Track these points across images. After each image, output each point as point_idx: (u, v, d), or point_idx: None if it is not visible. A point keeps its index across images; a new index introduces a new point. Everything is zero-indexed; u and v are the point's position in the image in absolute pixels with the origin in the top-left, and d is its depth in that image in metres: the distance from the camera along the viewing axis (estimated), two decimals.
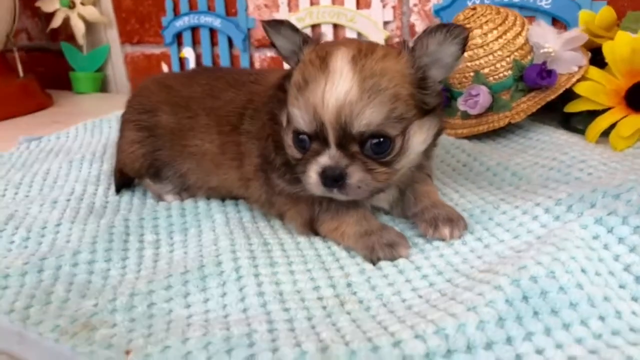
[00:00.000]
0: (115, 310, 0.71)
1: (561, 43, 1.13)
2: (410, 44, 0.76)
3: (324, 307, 0.68)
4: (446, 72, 0.78)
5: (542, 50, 1.12)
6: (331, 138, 0.74)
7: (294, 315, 0.67)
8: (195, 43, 1.98)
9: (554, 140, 1.08)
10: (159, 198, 1.06)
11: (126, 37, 2.15)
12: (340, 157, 0.74)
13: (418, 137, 0.79)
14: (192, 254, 0.84)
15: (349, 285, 0.73)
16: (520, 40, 1.14)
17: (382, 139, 0.74)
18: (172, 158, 1.01)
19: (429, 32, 0.74)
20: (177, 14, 1.98)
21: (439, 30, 0.73)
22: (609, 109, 1.09)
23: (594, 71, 1.13)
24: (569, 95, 1.14)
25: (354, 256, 0.80)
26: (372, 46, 0.77)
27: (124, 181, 1.11)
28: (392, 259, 0.77)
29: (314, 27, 1.71)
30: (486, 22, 1.15)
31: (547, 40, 1.14)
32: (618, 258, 0.70)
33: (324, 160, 0.75)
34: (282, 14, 1.74)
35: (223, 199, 1.02)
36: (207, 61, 1.96)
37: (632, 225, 0.73)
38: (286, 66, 0.88)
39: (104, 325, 0.69)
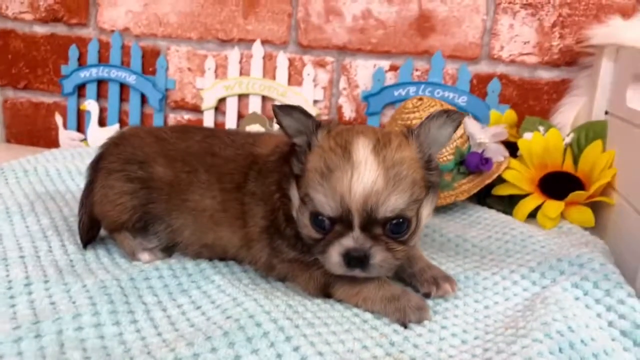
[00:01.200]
0: None
1: (489, 136, 1.34)
2: (415, 132, 0.85)
3: None
4: (438, 150, 0.89)
5: (478, 141, 1.31)
6: (356, 222, 0.79)
7: None
8: (99, 96, 1.87)
9: (493, 218, 1.25)
10: (132, 256, 0.99)
11: (9, 80, 1.95)
12: (364, 239, 0.80)
13: (425, 213, 0.88)
14: (216, 316, 0.80)
15: (392, 344, 0.77)
16: (460, 130, 1.33)
17: (401, 220, 0.82)
18: (166, 212, 0.96)
19: (431, 117, 0.84)
20: (82, 64, 1.87)
21: (441, 115, 0.85)
22: (529, 194, 1.31)
23: (514, 162, 1.36)
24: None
25: (378, 317, 0.84)
26: (387, 135, 0.84)
27: (92, 235, 1.01)
28: (421, 321, 0.82)
29: (241, 96, 1.75)
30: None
31: (478, 132, 1.34)
32: (600, 316, 0.85)
33: (348, 242, 0.80)
34: (207, 79, 1.76)
35: (211, 259, 0.99)
36: (112, 117, 1.86)
37: (603, 289, 0.89)
38: None
39: None
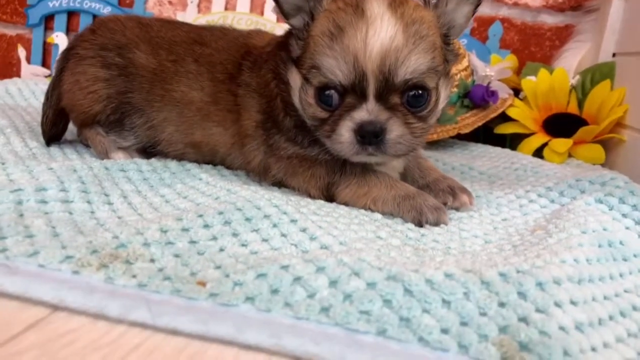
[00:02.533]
0: (147, 245, 0.55)
1: (494, 72, 1.26)
2: (433, 1, 0.76)
3: (404, 251, 0.61)
4: (459, 33, 0.80)
5: (484, 73, 1.23)
6: (371, 89, 0.69)
7: (385, 253, 0.58)
8: (69, 29, 1.73)
9: (498, 152, 1.17)
10: (104, 155, 0.86)
11: None
12: (380, 110, 0.70)
13: (443, 94, 0.78)
14: (209, 202, 0.69)
15: (409, 238, 0.67)
16: (465, 63, 1.25)
17: (420, 91, 0.72)
18: (147, 103, 0.84)
19: None
20: None
21: None
22: (533, 133, 1.24)
23: (518, 102, 1.29)
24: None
25: (389, 217, 0.75)
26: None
27: (55, 132, 0.88)
28: (439, 222, 0.73)
29: None
30: None
31: (482, 66, 1.26)
32: (630, 228, 0.77)
33: (361, 115, 0.70)
34: (189, 13, 1.63)
35: (197, 162, 0.87)
36: None
37: (630, 204, 0.81)
38: None
39: (139, 258, 0.52)
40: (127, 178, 0.77)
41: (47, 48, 1.74)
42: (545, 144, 1.21)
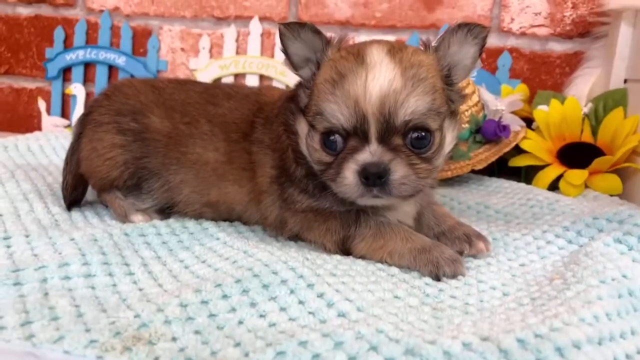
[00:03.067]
0: (168, 322, 0.56)
1: (505, 105, 1.26)
2: (434, 44, 0.77)
3: (422, 312, 0.61)
4: (465, 74, 0.80)
5: (494, 108, 1.24)
6: (372, 131, 0.70)
7: (403, 317, 0.59)
8: (86, 80, 1.77)
9: (514, 187, 1.17)
10: (124, 218, 0.88)
11: None
12: (383, 152, 0.70)
13: (449, 136, 0.79)
14: (226, 266, 0.70)
15: (426, 295, 0.68)
16: (475, 98, 1.25)
17: (423, 133, 0.72)
18: (163, 167, 0.86)
19: (450, 31, 0.76)
20: (67, 46, 1.77)
21: (460, 29, 0.75)
22: (547, 164, 1.23)
23: (531, 133, 1.28)
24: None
25: (406, 272, 0.75)
26: (400, 43, 0.78)
27: (76, 197, 0.91)
28: (456, 275, 0.73)
29: (238, 76, 1.66)
30: None
31: (492, 100, 1.27)
32: None
33: (364, 156, 0.71)
34: (202, 59, 1.67)
35: (214, 220, 0.89)
36: None
37: None
38: None
39: (161, 338, 0.53)
40: (147, 243, 0.78)
41: (65, 99, 1.79)
42: (561, 176, 1.20)
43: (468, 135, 1.23)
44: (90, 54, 1.74)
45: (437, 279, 0.72)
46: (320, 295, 0.62)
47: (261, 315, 0.59)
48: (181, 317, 0.57)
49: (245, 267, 0.68)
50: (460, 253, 0.80)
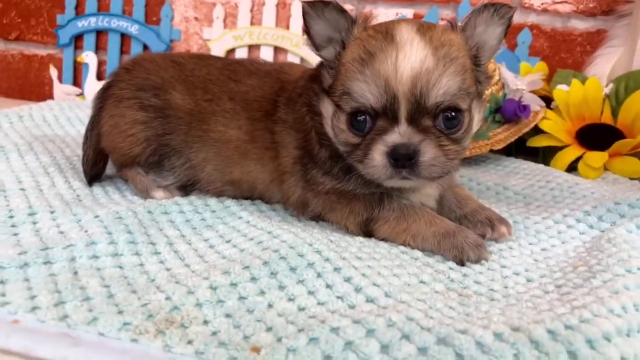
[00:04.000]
0: (199, 305, 0.57)
1: (525, 84, 1.24)
2: (460, 24, 0.76)
3: (449, 299, 0.62)
4: (491, 55, 0.79)
5: (515, 87, 1.22)
6: (402, 112, 0.69)
7: (431, 303, 0.59)
8: (98, 48, 1.75)
9: (532, 168, 1.17)
10: (145, 194, 0.88)
11: (1, 32, 1.82)
12: (412, 132, 0.70)
13: (476, 117, 0.78)
14: (251, 247, 0.70)
15: (451, 280, 0.68)
16: (496, 77, 1.23)
17: (454, 113, 0.72)
18: (185, 144, 0.86)
19: (476, 11, 0.75)
20: (79, 13, 1.75)
21: (486, 9, 0.74)
22: (566, 146, 1.22)
23: (550, 113, 1.27)
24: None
25: (429, 255, 0.75)
26: (428, 22, 0.76)
27: (96, 171, 0.90)
28: (480, 260, 0.73)
29: (252, 47, 1.64)
30: None
31: (513, 79, 1.25)
32: None
33: (393, 137, 0.70)
34: (215, 29, 1.65)
35: (235, 198, 0.89)
36: (111, 69, 1.73)
37: None
38: None
39: (193, 321, 0.54)
40: (171, 221, 0.78)
41: (77, 67, 1.78)
42: (579, 157, 1.19)
43: (487, 114, 1.22)
44: (102, 22, 1.72)
45: (462, 263, 0.72)
46: (348, 280, 0.62)
47: (290, 299, 0.59)
48: (212, 299, 0.57)
49: (272, 249, 0.68)
50: (483, 237, 0.80)
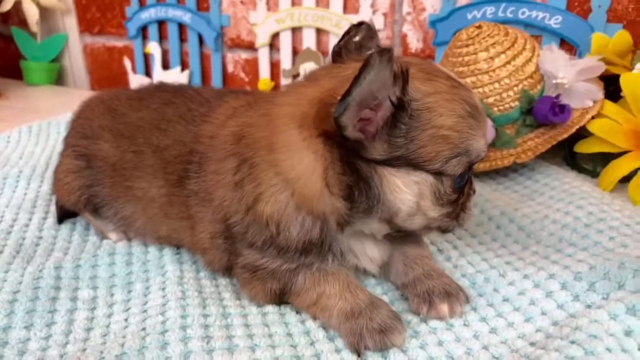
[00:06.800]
0: None
1: (575, 72, 0.99)
2: None
3: None
4: None
5: (554, 81, 0.98)
6: None
7: None
8: (162, 38, 1.79)
9: (564, 186, 0.94)
10: (103, 235, 0.89)
11: (86, 26, 1.95)
12: None
13: None
14: (134, 324, 0.67)
15: None
16: (530, 68, 1.00)
17: None
18: (112, 198, 0.83)
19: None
20: (143, 4, 1.79)
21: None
22: (625, 152, 0.96)
23: (610, 107, 1.00)
24: (578, 130, 1.00)
25: (332, 338, 0.65)
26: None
27: (66, 210, 0.94)
28: (383, 348, 0.62)
29: (295, 30, 1.54)
30: (493, 44, 1.00)
31: (559, 68, 1.00)
32: None
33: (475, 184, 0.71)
34: (259, 12, 1.57)
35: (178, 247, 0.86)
36: (174, 60, 1.77)
37: None
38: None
39: None
40: (92, 278, 0.78)
41: (147, 58, 1.84)
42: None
43: (518, 115, 1.00)
44: (161, 12, 1.74)
45: (357, 354, 0.62)
46: None
47: None
48: None
49: (147, 330, 0.65)
50: (418, 314, 0.68)
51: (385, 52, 0.52)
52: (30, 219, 0.95)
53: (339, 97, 0.55)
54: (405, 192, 0.62)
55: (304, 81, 0.68)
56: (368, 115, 0.57)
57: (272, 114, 0.65)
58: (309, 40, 1.52)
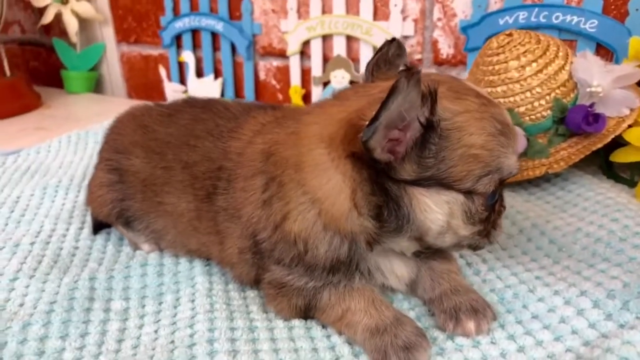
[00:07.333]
0: None
1: (611, 80, 0.96)
2: None
3: None
4: None
5: (588, 89, 0.95)
6: None
7: None
8: (195, 47, 1.82)
9: (599, 198, 0.91)
10: (135, 246, 0.92)
11: (123, 36, 2.00)
12: None
13: None
14: (163, 336, 0.69)
15: None
16: (563, 76, 0.97)
17: None
18: (143, 212, 0.85)
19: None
20: (177, 14, 1.83)
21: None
22: None
23: None
24: (614, 138, 0.98)
25: (357, 354, 0.66)
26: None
27: (101, 221, 0.96)
28: None
29: (325, 38, 1.54)
30: (524, 52, 0.98)
31: (593, 76, 0.97)
32: None
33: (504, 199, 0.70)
34: (290, 20, 1.58)
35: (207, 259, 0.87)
36: (208, 68, 1.80)
37: None
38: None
39: None
40: (125, 289, 0.80)
41: (182, 66, 1.88)
42: None
43: (550, 124, 0.98)
44: (194, 22, 1.78)
45: None
46: None
47: None
48: None
49: (175, 343, 0.66)
50: (444, 330, 0.67)
51: (414, 75, 0.52)
52: (67, 229, 0.99)
53: (367, 119, 0.55)
54: (436, 211, 0.61)
55: (333, 100, 0.68)
56: (397, 136, 0.57)
57: (300, 133, 0.66)
58: (339, 48, 1.52)
